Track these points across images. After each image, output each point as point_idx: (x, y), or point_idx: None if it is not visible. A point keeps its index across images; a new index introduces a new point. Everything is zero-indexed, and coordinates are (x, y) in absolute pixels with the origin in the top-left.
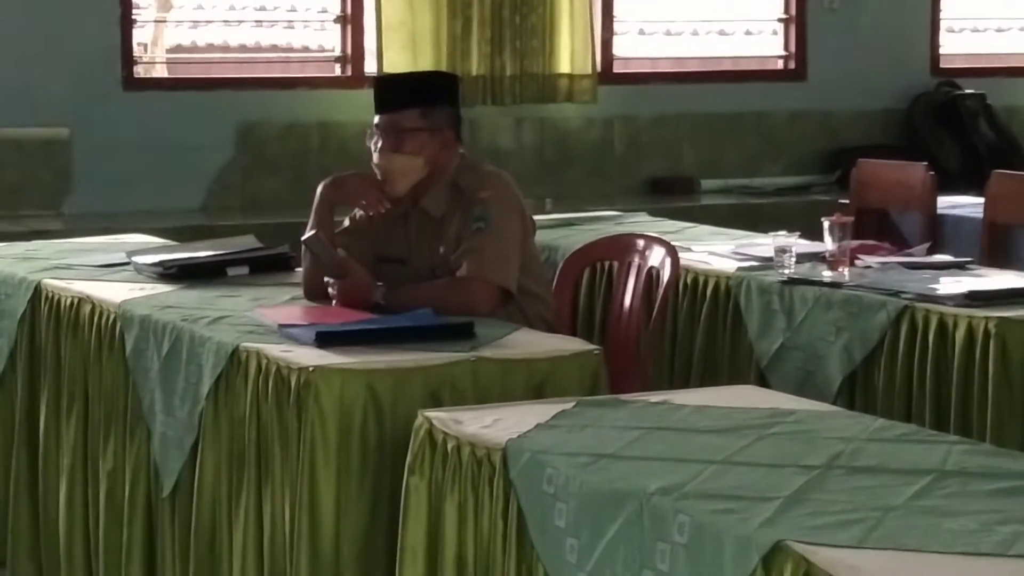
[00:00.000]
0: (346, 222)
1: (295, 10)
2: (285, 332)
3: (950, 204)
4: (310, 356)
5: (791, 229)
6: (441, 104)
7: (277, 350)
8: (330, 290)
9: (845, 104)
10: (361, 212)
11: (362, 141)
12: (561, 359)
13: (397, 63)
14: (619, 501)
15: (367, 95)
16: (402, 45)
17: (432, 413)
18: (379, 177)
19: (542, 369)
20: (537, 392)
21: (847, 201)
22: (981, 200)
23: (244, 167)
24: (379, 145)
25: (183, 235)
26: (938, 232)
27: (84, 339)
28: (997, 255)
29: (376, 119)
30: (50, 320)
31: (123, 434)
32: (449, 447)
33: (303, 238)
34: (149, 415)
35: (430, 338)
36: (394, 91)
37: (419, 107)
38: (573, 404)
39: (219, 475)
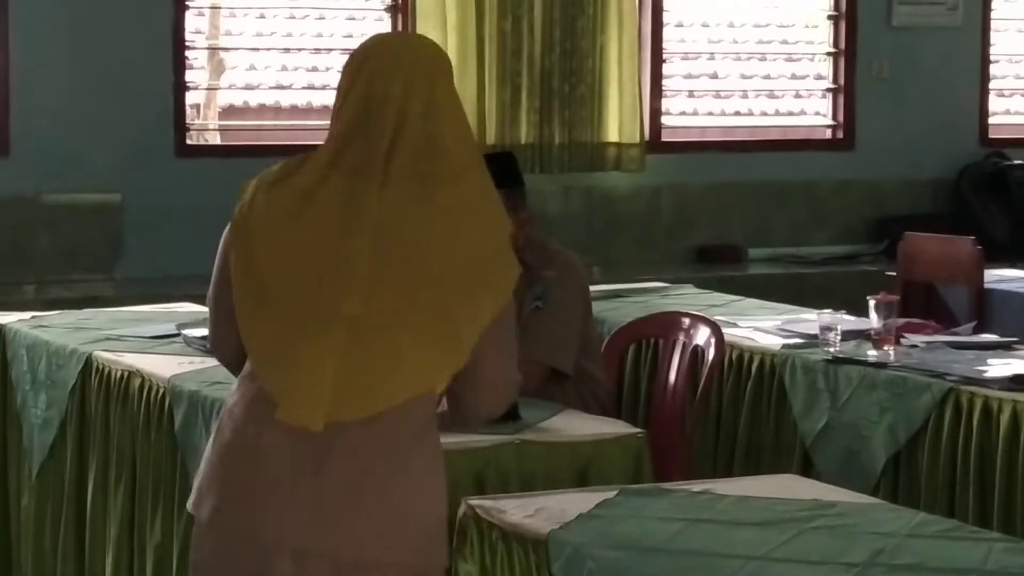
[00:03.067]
0: None
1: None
2: None
3: (997, 278)
4: None
5: (837, 299)
6: (512, 184)
7: None
8: None
9: (893, 173)
10: None
11: None
12: (605, 442)
13: None
14: None
15: None
16: None
17: (476, 501)
18: None
19: (586, 452)
20: (581, 474)
21: (894, 273)
22: None
23: None
24: None
25: None
26: (985, 306)
27: (133, 412)
28: None
29: None
30: (100, 392)
31: (172, 509)
32: (494, 536)
33: None
34: None
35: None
36: None
37: (502, 189)
38: (616, 493)
39: None
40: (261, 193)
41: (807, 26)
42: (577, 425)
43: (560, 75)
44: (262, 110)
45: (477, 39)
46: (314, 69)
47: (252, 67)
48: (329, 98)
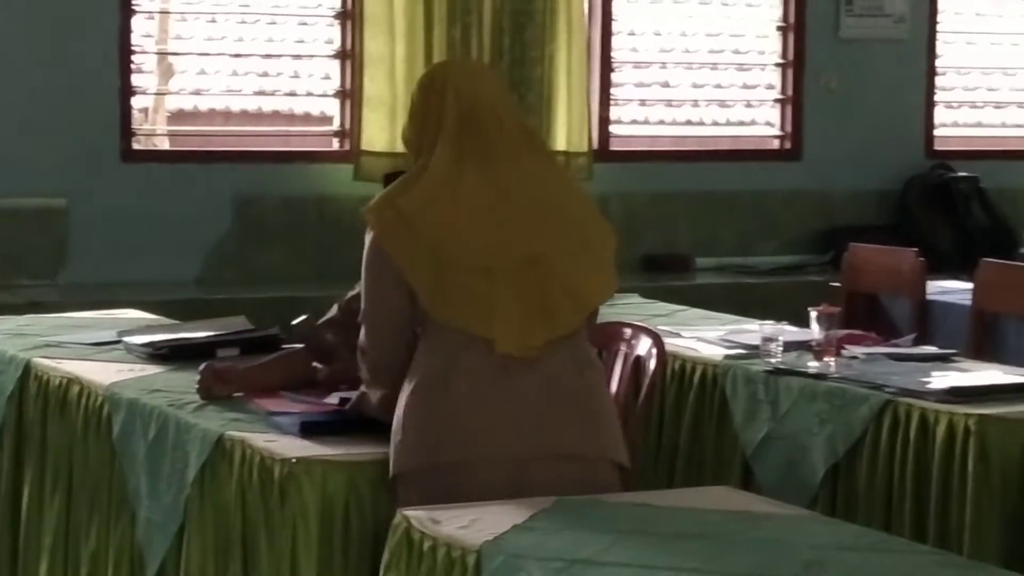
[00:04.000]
0: (333, 310)
1: (297, 76)
2: (272, 421)
3: (940, 290)
4: (293, 447)
5: (784, 310)
6: None
7: (261, 440)
8: (318, 375)
9: (840, 184)
10: (353, 295)
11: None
12: None
13: (377, 140)
14: None
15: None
16: (380, 124)
17: (410, 512)
18: None
19: None
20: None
21: (838, 284)
22: (971, 286)
23: (241, 240)
24: None
25: (178, 309)
26: (927, 318)
27: (71, 420)
28: (983, 344)
29: None
30: (38, 399)
31: (107, 517)
32: (425, 547)
33: (293, 323)
34: (135, 499)
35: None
36: None
37: None
38: (551, 504)
39: (205, 562)
40: (399, 202)
41: (758, 36)
42: None
43: (509, 83)
44: (212, 115)
45: (426, 47)
46: (265, 74)
47: (202, 72)
48: (279, 103)
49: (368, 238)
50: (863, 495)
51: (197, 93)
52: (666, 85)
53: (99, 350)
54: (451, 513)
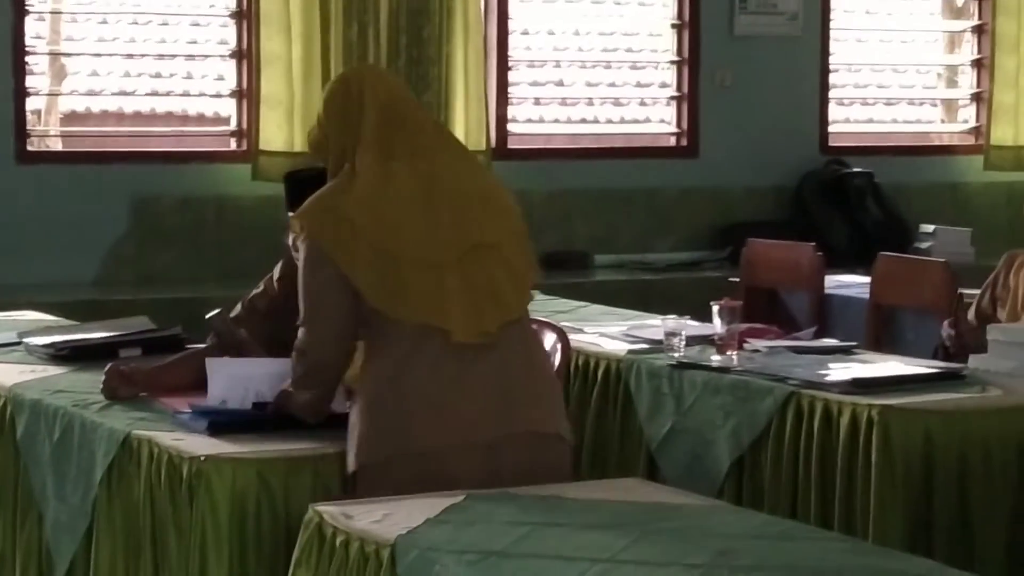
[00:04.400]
0: (238, 307)
1: (191, 77)
2: (176, 419)
3: (837, 284)
4: (201, 444)
5: (683, 305)
6: None
7: (168, 438)
8: None
9: (736, 181)
10: (256, 293)
11: (256, 215)
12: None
13: (274, 140)
14: None
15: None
16: (278, 124)
17: (323, 507)
18: None
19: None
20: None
21: (737, 279)
22: (866, 280)
23: (138, 241)
24: None
25: (76, 309)
26: (825, 312)
27: None
28: (881, 337)
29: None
30: None
31: (12, 518)
32: (338, 542)
33: (207, 316)
34: (41, 500)
35: (323, 424)
36: (310, 189)
37: None
38: (463, 498)
39: (115, 561)
40: (334, 204)
41: (651, 35)
42: None
43: (406, 83)
44: (105, 116)
45: (322, 47)
46: (157, 75)
47: (94, 73)
48: (172, 104)
49: (303, 244)
50: (768, 486)
51: (91, 94)
52: (561, 84)
53: (1, 351)
54: (364, 508)
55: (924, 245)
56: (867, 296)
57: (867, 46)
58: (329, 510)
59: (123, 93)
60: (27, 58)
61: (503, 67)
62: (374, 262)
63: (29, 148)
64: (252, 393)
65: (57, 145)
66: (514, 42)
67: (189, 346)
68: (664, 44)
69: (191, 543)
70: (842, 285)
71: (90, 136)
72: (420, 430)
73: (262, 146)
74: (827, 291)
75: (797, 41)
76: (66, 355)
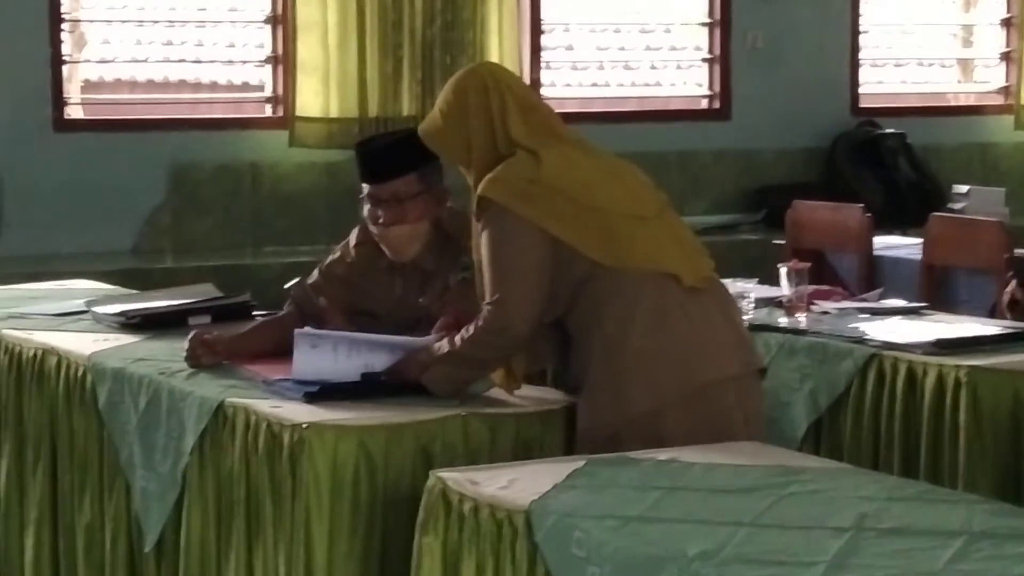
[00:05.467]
0: (315, 274)
1: (233, 46)
2: (271, 387)
3: (884, 245)
4: (300, 412)
5: (720, 269)
6: (430, 160)
7: (266, 406)
8: None
9: (768, 143)
10: (333, 259)
11: (293, 182)
12: (551, 413)
13: (310, 106)
14: (658, 566)
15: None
16: (315, 90)
17: (445, 473)
18: (385, 248)
19: (530, 423)
20: (526, 447)
21: (782, 242)
22: (914, 241)
23: (175, 209)
24: (381, 219)
25: (118, 278)
26: (874, 274)
27: (51, 391)
28: (934, 298)
29: (369, 188)
30: (11, 372)
31: (99, 488)
32: (466, 508)
33: (287, 285)
34: (128, 469)
35: (413, 391)
36: (387, 160)
37: (415, 171)
38: (583, 463)
39: (206, 530)
40: (530, 173)
41: None
42: (523, 396)
43: (442, 47)
44: (129, 84)
45: (358, 11)
46: (199, 44)
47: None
48: (208, 71)
49: (497, 216)
50: (847, 449)
51: (134, 61)
52: (593, 49)
53: (65, 320)
54: (487, 474)
55: (958, 205)
56: (916, 257)
57: (898, 5)
58: (453, 476)
59: (165, 60)
60: (63, 26)
61: (536, 31)
62: (586, 219)
63: (66, 116)
64: (342, 364)
65: (92, 114)
66: (547, 5)
67: (256, 313)
68: (697, 6)
69: (293, 511)
70: (889, 247)
71: (125, 104)
72: (701, 364)
73: (298, 112)
74: (875, 252)
75: (828, 2)
76: (137, 323)
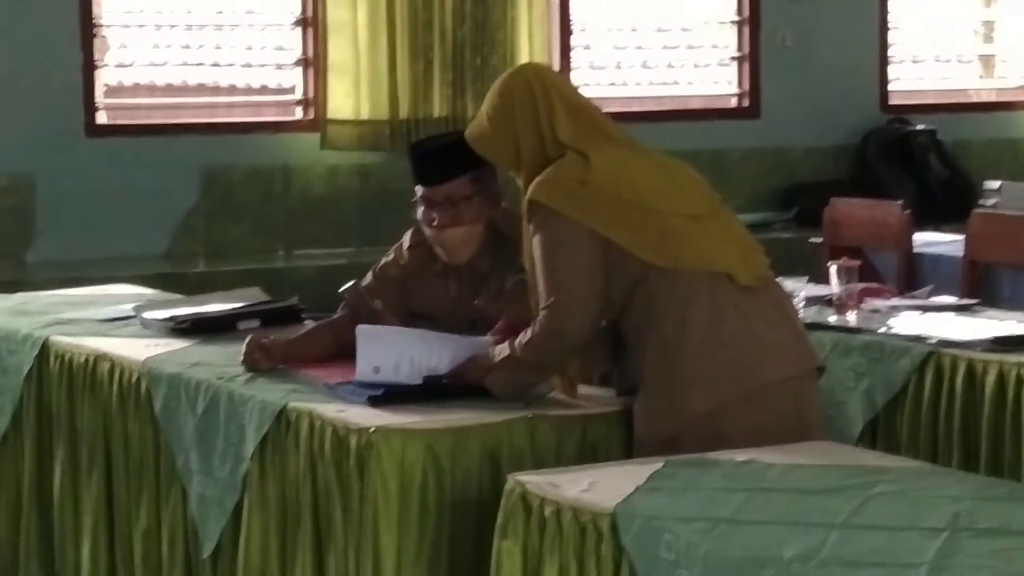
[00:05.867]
0: (368, 277)
1: (265, 48)
2: (333, 391)
3: (923, 242)
4: (366, 416)
5: None
6: (484, 162)
7: (331, 410)
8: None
9: (798, 141)
10: (387, 262)
11: (324, 184)
12: (616, 415)
13: (342, 109)
14: (754, 569)
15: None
16: (345, 92)
17: (524, 476)
18: (439, 251)
19: (596, 426)
20: (592, 450)
21: (819, 240)
22: (953, 237)
23: (208, 213)
24: (435, 221)
25: (153, 283)
26: (914, 271)
27: (104, 397)
28: (978, 295)
29: (423, 191)
30: (62, 378)
31: (155, 494)
32: (547, 512)
33: (341, 289)
34: (184, 475)
35: (475, 394)
36: (441, 162)
37: (470, 173)
38: (662, 464)
39: (267, 536)
40: (580, 182)
41: None
42: (585, 399)
43: (472, 47)
44: (153, 89)
45: (388, 12)
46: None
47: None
48: (239, 74)
49: (548, 220)
50: (905, 448)
51: (155, 65)
52: (620, 48)
53: (113, 326)
54: (567, 476)
55: (990, 201)
56: (956, 254)
57: (923, 2)
58: (532, 479)
59: (194, 64)
60: (94, 31)
61: (565, 31)
62: (637, 219)
63: (99, 121)
64: (405, 362)
65: (123, 119)
66: (576, 6)
67: (305, 316)
68: (726, 5)
69: (362, 516)
70: (928, 243)
71: (156, 109)
72: (761, 365)
73: (330, 115)
74: (915, 250)
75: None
76: (186, 328)
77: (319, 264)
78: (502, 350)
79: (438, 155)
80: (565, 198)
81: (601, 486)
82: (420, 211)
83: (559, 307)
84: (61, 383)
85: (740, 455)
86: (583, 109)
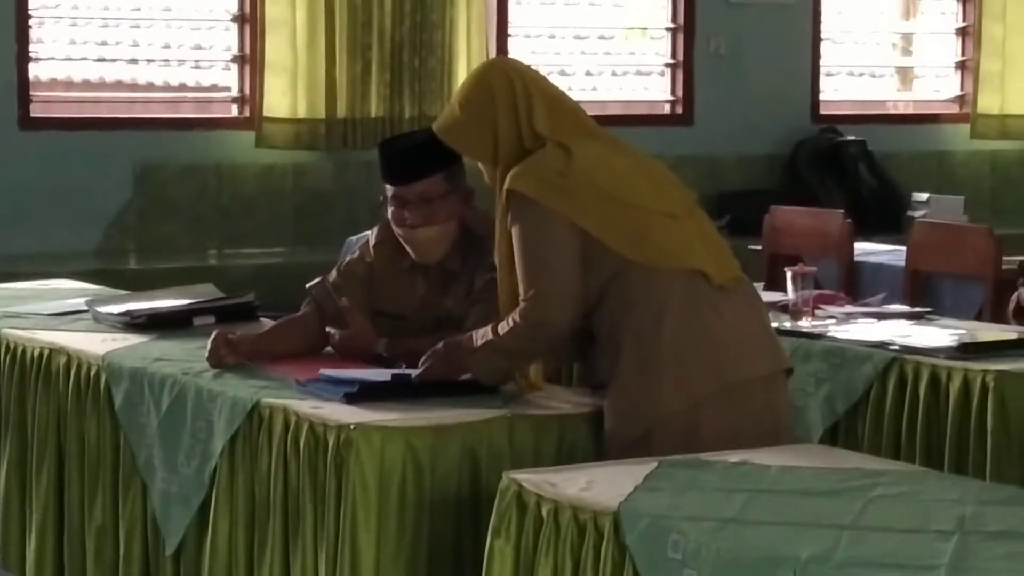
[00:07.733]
0: (333, 274)
1: (199, 47)
2: (305, 388)
3: (863, 251)
4: (344, 413)
5: None
6: (456, 160)
7: (306, 407)
8: (331, 339)
9: (730, 149)
10: (353, 259)
11: (260, 182)
12: (593, 415)
13: (278, 107)
14: (768, 569)
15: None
16: (282, 90)
17: (520, 475)
18: (411, 250)
19: (574, 425)
20: (570, 449)
21: (758, 247)
22: (891, 247)
23: (141, 209)
24: (408, 220)
25: (86, 280)
26: (856, 279)
27: (58, 391)
28: (919, 303)
29: (393, 189)
30: (13, 371)
31: (113, 490)
32: (544, 511)
33: (308, 285)
34: (146, 471)
35: (449, 389)
36: (414, 160)
37: (443, 171)
38: (656, 465)
39: (235, 532)
40: (560, 173)
41: (647, 2)
42: (558, 397)
43: (411, 48)
44: (80, 84)
45: (327, 11)
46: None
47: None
48: (175, 71)
49: (529, 210)
50: (866, 453)
51: (100, 60)
52: (558, 54)
53: (64, 320)
54: (564, 475)
55: (918, 213)
56: (897, 263)
57: (854, 14)
58: (529, 478)
59: (132, 61)
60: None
61: (503, 34)
62: (617, 214)
63: (33, 115)
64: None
65: (57, 112)
66: (514, 9)
67: (260, 313)
68: (660, 12)
69: (340, 514)
70: (869, 252)
71: (91, 103)
72: (731, 363)
73: (266, 113)
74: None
75: (790, 9)
76: (142, 323)
77: (253, 263)
78: (485, 334)
79: (411, 153)
80: (545, 189)
81: (600, 485)
82: (390, 211)
83: (540, 298)
84: (12, 376)
85: (733, 456)
86: (562, 102)
